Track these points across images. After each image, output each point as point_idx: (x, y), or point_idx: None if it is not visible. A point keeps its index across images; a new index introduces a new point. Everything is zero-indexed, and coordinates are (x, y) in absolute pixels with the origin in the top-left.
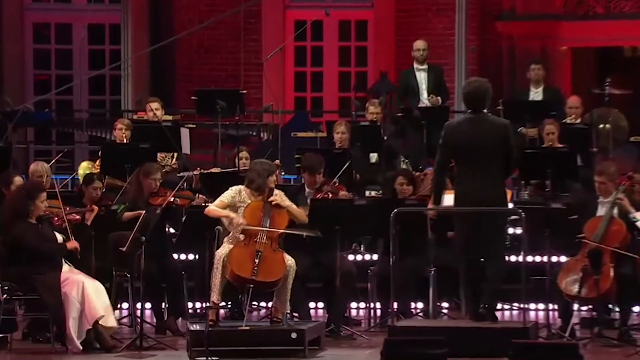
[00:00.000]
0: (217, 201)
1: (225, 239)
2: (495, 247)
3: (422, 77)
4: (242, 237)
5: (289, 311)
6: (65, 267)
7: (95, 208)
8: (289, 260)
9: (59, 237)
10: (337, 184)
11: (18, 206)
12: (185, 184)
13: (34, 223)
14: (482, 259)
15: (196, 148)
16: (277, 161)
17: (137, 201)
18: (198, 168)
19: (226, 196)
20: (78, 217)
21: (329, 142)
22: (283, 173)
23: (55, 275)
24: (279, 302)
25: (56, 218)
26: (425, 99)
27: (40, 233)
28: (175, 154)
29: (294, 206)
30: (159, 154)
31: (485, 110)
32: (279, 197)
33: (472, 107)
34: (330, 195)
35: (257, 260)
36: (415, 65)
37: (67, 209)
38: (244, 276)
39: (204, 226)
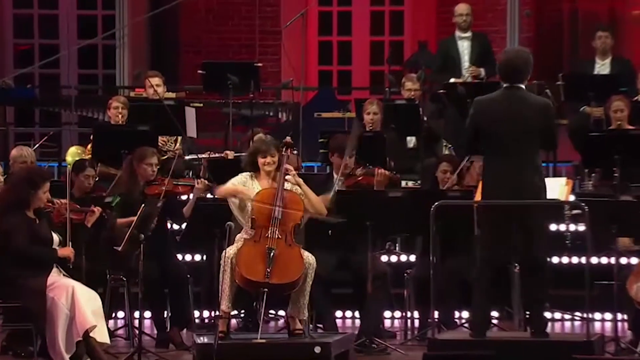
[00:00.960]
0: (227, 184)
1: (238, 237)
2: (539, 250)
3: (464, 47)
4: (250, 231)
5: (306, 317)
6: (54, 271)
7: (98, 210)
8: (308, 256)
9: (56, 239)
10: (369, 166)
11: (17, 195)
12: (190, 172)
13: (31, 217)
14: (515, 265)
15: (203, 131)
16: (288, 138)
17: (132, 193)
18: (208, 153)
19: (237, 180)
20: (81, 217)
21: (359, 124)
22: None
23: (41, 280)
24: (295, 308)
25: (57, 214)
26: (465, 72)
27: (35, 232)
28: (179, 138)
29: (312, 193)
30: (160, 138)
31: (523, 86)
32: (292, 177)
33: (508, 80)
34: (363, 180)
35: (269, 260)
36: (457, 33)
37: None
38: (256, 279)
39: (213, 222)
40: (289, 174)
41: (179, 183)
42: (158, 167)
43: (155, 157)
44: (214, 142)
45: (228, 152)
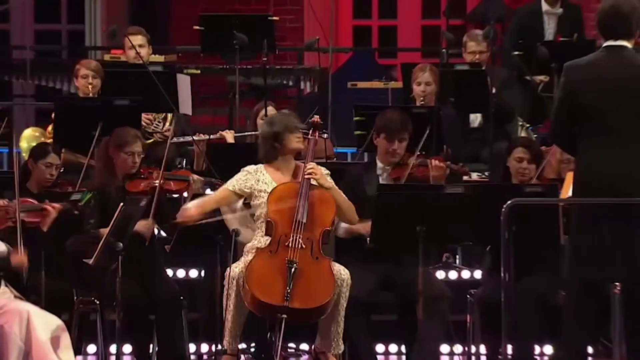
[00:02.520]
0: (226, 185)
1: (248, 247)
2: None
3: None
4: (265, 239)
5: (340, 351)
6: (2, 290)
7: (54, 209)
8: (340, 272)
9: (2, 248)
10: (423, 154)
11: None
12: (184, 161)
13: None
14: (615, 284)
15: (201, 106)
16: (317, 117)
17: (107, 188)
18: (198, 134)
19: (232, 183)
20: (36, 219)
21: (406, 97)
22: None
23: None
24: (324, 341)
25: (1, 218)
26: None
27: None
28: (169, 116)
29: (341, 195)
30: (144, 116)
31: (629, 45)
32: (317, 170)
33: (609, 35)
34: (417, 172)
35: (290, 277)
36: (544, 8)
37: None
38: (271, 303)
39: (214, 226)
40: (311, 174)
41: (172, 177)
42: (142, 155)
43: (139, 142)
44: (215, 121)
45: (225, 132)
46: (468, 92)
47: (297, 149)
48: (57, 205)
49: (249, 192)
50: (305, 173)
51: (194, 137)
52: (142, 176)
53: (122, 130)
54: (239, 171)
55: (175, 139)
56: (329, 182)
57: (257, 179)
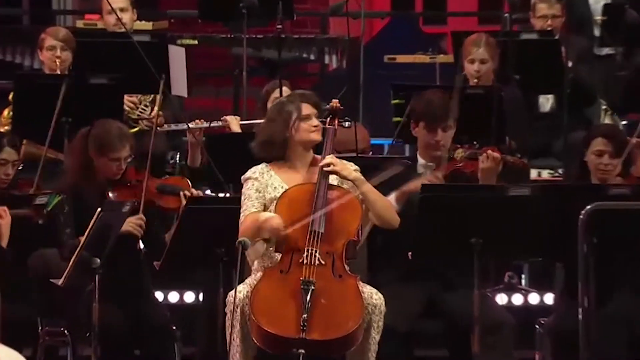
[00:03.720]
0: (246, 210)
1: (256, 266)
2: None
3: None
4: (275, 255)
5: None
6: None
7: (4, 215)
8: (372, 295)
9: None
10: (477, 145)
11: None
12: (177, 156)
13: None
14: None
15: (199, 85)
16: (336, 101)
17: (83, 192)
18: (196, 122)
19: (250, 203)
20: None
21: (458, 75)
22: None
23: None
24: None
25: None
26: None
27: None
28: (159, 97)
29: (375, 193)
30: (126, 98)
31: None
32: (336, 162)
33: None
34: (467, 167)
35: (306, 302)
36: None
37: None
38: (284, 335)
39: (215, 236)
40: (331, 169)
41: (165, 188)
42: (130, 159)
43: (127, 145)
44: (217, 105)
45: (229, 119)
46: (537, 68)
47: (310, 141)
48: (9, 211)
49: (265, 200)
50: (322, 165)
51: (190, 125)
52: (129, 184)
53: (105, 127)
54: (242, 169)
55: (166, 127)
56: (354, 172)
57: (266, 184)
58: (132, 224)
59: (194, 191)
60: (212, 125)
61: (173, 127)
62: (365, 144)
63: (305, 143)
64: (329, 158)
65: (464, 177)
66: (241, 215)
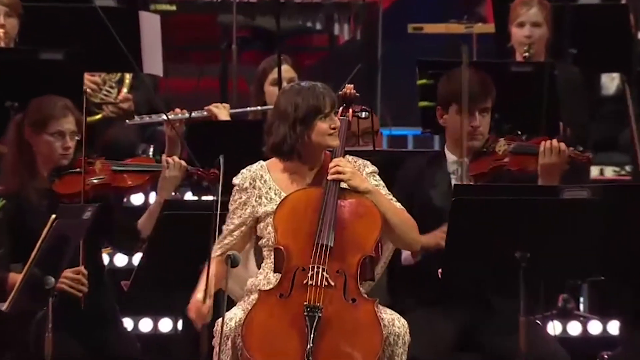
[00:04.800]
0: (222, 239)
1: (249, 284)
2: None
3: None
4: (274, 276)
5: None
6: None
7: None
8: (394, 322)
9: None
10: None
11: None
12: (151, 149)
13: None
14: None
15: (178, 61)
16: (350, 87)
17: (24, 192)
18: (185, 111)
19: (234, 213)
20: None
21: (501, 47)
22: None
23: None
24: None
25: None
26: None
27: None
28: (128, 77)
29: (388, 198)
30: (87, 78)
31: None
32: (343, 166)
33: None
34: (511, 164)
35: (311, 331)
36: None
37: None
38: None
39: (198, 248)
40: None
41: (125, 168)
42: (78, 137)
43: (71, 116)
44: (201, 87)
45: (216, 108)
46: (600, 40)
47: (326, 146)
48: None
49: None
50: (329, 173)
51: (169, 116)
52: (79, 170)
53: (43, 100)
54: (232, 166)
55: (137, 119)
56: (366, 183)
57: (258, 195)
58: (67, 280)
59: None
60: (193, 116)
61: (147, 118)
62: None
63: (320, 146)
64: (336, 164)
65: (508, 177)
66: (218, 240)
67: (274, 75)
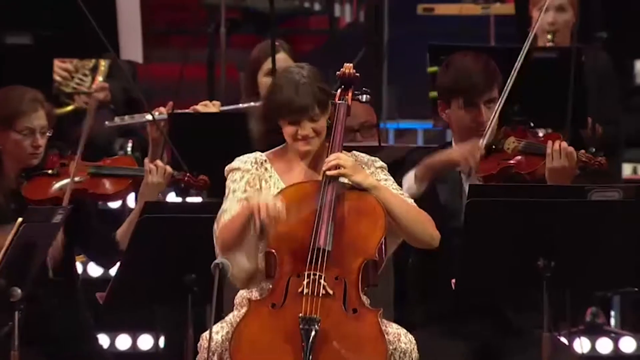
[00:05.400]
0: (228, 211)
1: (239, 297)
2: None
3: None
4: (266, 284)
5: None
6: None
7: None
8: (400, 336)
9: None
10: (538, 134)
11: None
12: (129, 145)
13: None
14: None
15: (160, 46)
16: (349, 66)
17: None
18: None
19: (237, 191)
20: None
21: (522, 32)
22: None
23: None
24: None
25: None
26: None
27: None
28: (103, 63)
29: (401, 201)
30: (57, 64)
31: None
32: (342, 160)
33: None
34: (526, 165)
35: (308, 346)
36: None
37: None
38: None
39: (182, 258)
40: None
41: (104, 172)
42: (50, 134)
43: (41, 110)
44: (186, 75)
45: (203, 107)
46: (632, 22)
47: (295, 146)
48: None
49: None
50: (325, 168)
51: (153, 114)
52: (51, 171)
53: (9, 92)
54: (221, 163)
55: (117, 121)
56: (370, 177)
57: (261, 179)
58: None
59: (152, 166)
60: (159, 114)
61: (127, 119)
62: (368, 117)
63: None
64: (334, 158)
65: (517, 179)
66: (219, 216)
67: (268, 64)
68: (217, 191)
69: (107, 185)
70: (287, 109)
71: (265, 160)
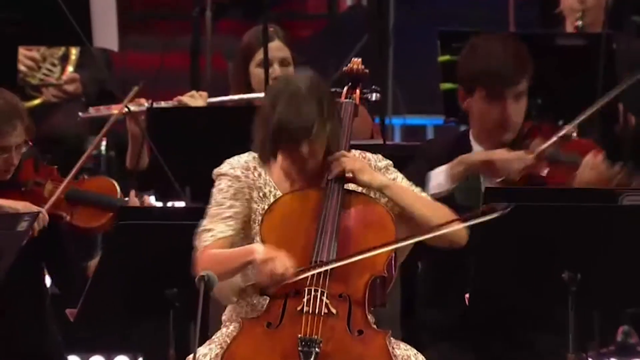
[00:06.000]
0: (211, 226)
1: (227, 313)
2: None
3: None
4: (260, 301)
5: None
6: None
7: None
8: (409, 357)
9: None
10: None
11: None
12: (104, 145)
13: None
14: None
15: (139, 33)
16: (357, 61)
17: None
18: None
19: (223, 203)
20: None
21: (545, 16)
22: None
23: None
24: None
25: None
26: None
27: None
28: (74, 51)
29: (417, 197)
30: (23, 52)
31: None
32: (356, 165)
33: None
34: (553, 177)
35: None
36: None
37: None
38: None
39: (162, 269)
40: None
41: (83, 196)
42: (30, 143)
43: (19, 127)
44: (167, 64)
45: (189, 98)
46: None
47: (285, 167)
48: None
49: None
50: (330, 169)
51: (130, 107)
52: (23, 188)
53: None
54: (207, 163)
55: (91, 111)
56: (380, 177)
57: (252, 187)
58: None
59: (134, 199)
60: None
61: (103, 110)
62: (366, 125)
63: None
64: (340, 155)
65: (538, 182)
66: (201, 231)
67: (262, 53)
68: (202, 195)
69: (85, 216)
70: (286, 134)
71: (258, 164)
